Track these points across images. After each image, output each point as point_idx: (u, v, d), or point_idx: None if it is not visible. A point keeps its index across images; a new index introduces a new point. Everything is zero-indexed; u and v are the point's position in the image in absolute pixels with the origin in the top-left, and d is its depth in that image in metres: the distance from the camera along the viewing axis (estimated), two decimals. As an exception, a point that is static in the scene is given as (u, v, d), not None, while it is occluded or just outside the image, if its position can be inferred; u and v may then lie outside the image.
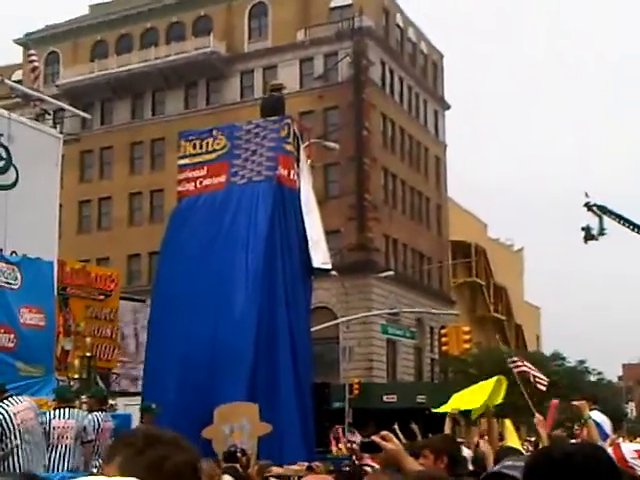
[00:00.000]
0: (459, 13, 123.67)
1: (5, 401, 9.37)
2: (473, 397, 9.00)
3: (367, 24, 48.68)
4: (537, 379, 14.66)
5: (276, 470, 7.28)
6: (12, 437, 9.02)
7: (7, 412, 9.12)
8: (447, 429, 7.62)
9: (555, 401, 9.99)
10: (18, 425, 9.07)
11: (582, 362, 47.76)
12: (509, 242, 71.89)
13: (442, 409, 8.76)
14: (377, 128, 49.07)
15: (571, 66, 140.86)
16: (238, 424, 10.34)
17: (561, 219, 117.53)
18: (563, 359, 46.99)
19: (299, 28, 50.19)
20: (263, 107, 14.04)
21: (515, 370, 14.16)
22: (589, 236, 28.58)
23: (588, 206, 28.13)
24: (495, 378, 9.15)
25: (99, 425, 9.92)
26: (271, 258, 12.06)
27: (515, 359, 15.36)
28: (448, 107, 59.29)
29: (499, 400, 8.94)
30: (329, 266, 13.87)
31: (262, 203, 12.45)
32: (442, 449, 4.90)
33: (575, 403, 7.26)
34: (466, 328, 33.08)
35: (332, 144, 35.15)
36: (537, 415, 8.29)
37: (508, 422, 11.41)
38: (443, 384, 44.03)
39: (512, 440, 10.80)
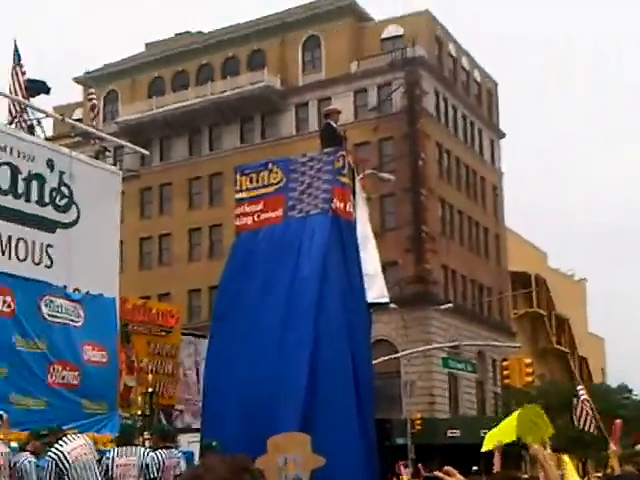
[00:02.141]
0: (513, 42, 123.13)
1: (60, 441, 9.40)
2: (506, 430, 8.78)
3: (420, 54, 48.71)
4: (588, 417, 14.19)
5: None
6: (69, 475, 9.04)
7: (61, 452, 9.15)
8: (497, 465, 7.40)
9: (619, 421, 9.54)
10: (73, 462, 9.08)
11: (651, 395, 46.44)
12: (570, 272, 70.73)
13: (484, 447, 8.55)
14: (432, 158, 48.85)
15: (624, 97, 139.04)
16: (292, 455, 10.16)
17: (624, 248, 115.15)
18: (630, 392, 45.80)
19: (352, 60, 50.44)
20: (321, 137, 13.94)
21: (582, 398, 13.78)
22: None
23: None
24: (519, 411, 8.99)
25: (163, 463, 9.84)
26: (329, 292, 11.89)
27: (581, 388, 14.94)
28: (503, 135, 58.84)
29: (549, 431, 8.66)
30: (386, 299, 13.62)
31: (319, 237, 12.31)
32: None
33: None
34: (528, 360, 32.39)
35: (387, 175, 35.03)
36: (612, 445, 7.89)
37: (566, 457, 10.89)
38: (506, 418, 43.14)
39: (572, 476, 10.34)
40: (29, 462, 9.09)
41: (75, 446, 9.20)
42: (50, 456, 9.07)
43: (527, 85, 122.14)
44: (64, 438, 9.40)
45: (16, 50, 15.31)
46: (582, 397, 14.17)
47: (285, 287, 11.95)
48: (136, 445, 10.02)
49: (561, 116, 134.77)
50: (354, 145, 38.39)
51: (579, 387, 14.85)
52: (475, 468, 16.83)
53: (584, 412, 14.21)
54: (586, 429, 13.70)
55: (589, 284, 73.30)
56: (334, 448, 10.80)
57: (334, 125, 13.92)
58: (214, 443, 10.51)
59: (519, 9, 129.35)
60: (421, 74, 48.74)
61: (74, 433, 9.78)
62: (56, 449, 9.16)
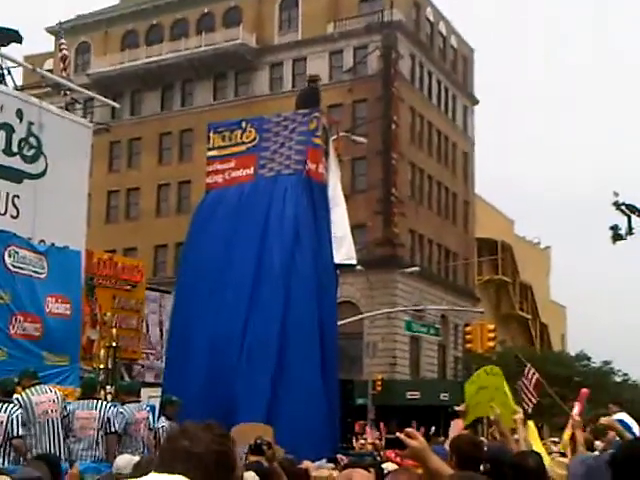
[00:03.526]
0: (492, 8, 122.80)
1: (32, 388, 9.44)
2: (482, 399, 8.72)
3: (397, 17, 48.47)
4: (528, 396, 14.39)
5: (306, 464, 7.22)
6: (32, 425, 9.10)
7: (30, 400, 9.20)
8: (457, 428, 7.51)
9: (585, 390, 9.49)
10: (39, 416, 9.14)
11: (607, 363, 47.38)
12: (536, 240, 71.39)
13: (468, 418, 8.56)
14: (405, 122, 48.86)
15: (608, 68, 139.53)
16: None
17: (590, 218, 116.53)
18: (589, 359, 46.65)
19: (329, 21, 50.07)
20: (299, 98, 13.93)
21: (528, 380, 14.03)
22: (617, 236, 28.25)
23: (617, 205, 27.80)
24: (483, 370, 9.01)
25: (133, 416, 9.93)
26: (300, 251, 12.00)
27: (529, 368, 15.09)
28: (477, 102, 58.94)
29: (508, 394, 8.60)
30: (354, 261, 13.75)
31: (290, 196, 12.38)
32: (453, 448, 4.98)
33: (604, 421, 6.96)
34: (491, 326, 32.87)
35: (361, 138, 35.07)
36: (574, 414, 7.77)
37: (531, 423, 10.80)
38: (466, 382, 43.82)
39: (535, 444, 10.33)
40: (20, 414, 9.04)
41: (44, 399, 9.25)
42: (18, 400, 9.11)
43: (503, 53, 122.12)
44: (37, 387, 9.46)
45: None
46: (523, 379, 14.37)
47: (255, 244, 12.00)
48: (98, 399, 10.08)
49: (535, 86, 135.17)
50: (328, 106, 38.27)
51: (527, 367, 15.01)
52: (434, 429, 17.11)
53: (523, 392, 14.42)
54: (527, 407, 13.87)
55: (554, 253, 74.16)
56: (300, 404, 10.97)
57: (319, 89, 13.93)
58: (174, 398, 10.61)
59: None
60: (398, 38, 48.53)
61: (40, 384, 9.79)
62: (26, 395, 9.23)
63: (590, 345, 71.43)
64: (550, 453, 10.15)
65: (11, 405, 8.97)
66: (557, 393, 15.68)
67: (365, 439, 15.56)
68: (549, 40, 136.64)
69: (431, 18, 53.37)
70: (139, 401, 10.62)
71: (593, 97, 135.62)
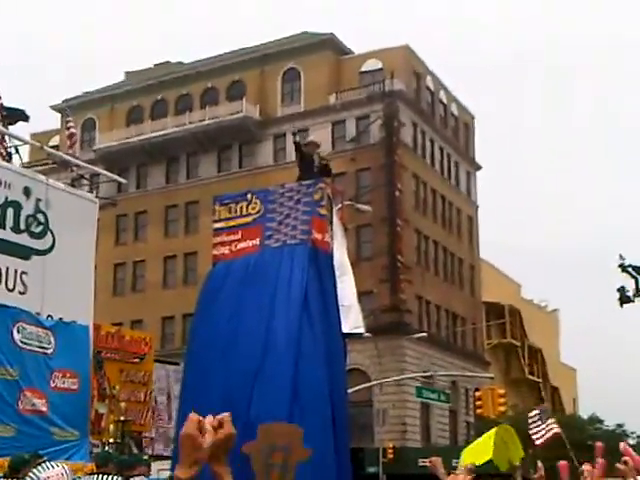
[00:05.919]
0: (490, 75, 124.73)
1: (38, 467, 9.38)
2: (482, 449, 8.80)
3: (398, 87, 49.25)
4: (540, 433, 14.27)
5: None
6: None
7: (38, 477, 9.13)
8: None
9: (600, 444, 9.27)
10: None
11: (620, 425, 46.80)
12: (544, 303, 71.21)
13: (461, 463, 8.54)
14: (409, 189, 49.25)
15: (607, 129, 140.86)
16: (281, 444, 10.16)
17: (597, 280, 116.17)
18: (601, 422, 46.10)
19: (331, 92, 50.90)
20: (308, 166, 13.90)
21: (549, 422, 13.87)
22: (625, 298, 28.19)
23: (623, 267, 27.80)
24: (494, 429, 9.01)
25: None
26: (309, 321, 12.02)
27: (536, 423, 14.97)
28: (479, 167, 59.46)
29: (520, 453, 8.66)
30: (361, 330, 13.72)
31: (297, 266, 12.43)
32: None
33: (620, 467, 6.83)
34: (501, 391, 32.58)
35: (365, 207, 35.31)
36: (586, 467, 7.67)
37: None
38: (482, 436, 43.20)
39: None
40: None
41: (53, 474, 9.18)
42: None
43: (503, 118, 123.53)
44: (43, 464, 9.39)
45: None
46: (550, 422, 14.25)
47: (264, 313, 12.02)
48: (108, 474, 10.00)
49: (535, 150, 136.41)
50: (332, 176, 38.59)
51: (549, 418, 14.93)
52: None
53: (545, 431, 14.28)
54: (538, 442, 13.75)
55: (562, 315, 73.86)
56: (312, 477, 10.87)
57: (311, 154, 14.05)
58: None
59: (496, 42, 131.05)
60: (399, 107, 49.25)
61: (45, 462, 9.74)
62: (34, 474, 9.15)
63: (602, 408, 70.58)
64: None
65: None
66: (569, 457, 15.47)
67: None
68: (547, 104, 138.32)
69: (431, 87, 54.22)
70: (142, 475, 10.53)
71: (595, 159, 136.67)
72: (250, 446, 10.23)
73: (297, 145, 14.00)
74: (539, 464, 7.71)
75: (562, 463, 9.04)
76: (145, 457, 12.04)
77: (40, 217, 14.38)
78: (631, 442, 46.78)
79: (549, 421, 14.64)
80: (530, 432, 14.10)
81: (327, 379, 11.62)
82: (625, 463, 6.39)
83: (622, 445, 7.00)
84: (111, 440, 13.46)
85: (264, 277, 12.54)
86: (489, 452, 8.60)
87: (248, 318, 12.09)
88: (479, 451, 8.91)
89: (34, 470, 9.27)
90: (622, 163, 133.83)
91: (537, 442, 13.87)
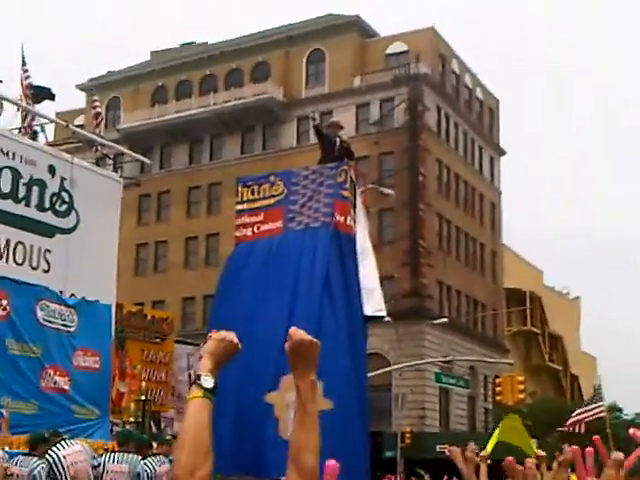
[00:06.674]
0: (515, 60, 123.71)
1: (58, 444, 9.47)
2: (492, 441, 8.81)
3: (423, 70, 48.93)
4: (594, 416, 14.15)
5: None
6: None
7: (57, 456, 9.21)
8: (482, 476, 7.39)
9: (596, 437, 9.00)
10: (68, 467, 9.14)
11: (639, 414, 46.60)
12: (565, 290, 70.83)
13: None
14: (432, 174, 49.01)
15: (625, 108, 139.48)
16: None
17: (619, 268, 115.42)
18: (620, 411, 45.89)
19: (356, 74, 50.67)
20: (330, 148, 13.80)
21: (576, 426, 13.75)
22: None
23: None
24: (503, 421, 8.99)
25: (154, 471, 9.89)
26: (331, 303, 12.01)
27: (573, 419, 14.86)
28: (503, 153, 59.05)
29: (532, 446, 8.60)
30: (383, 313, 13.68)
31: (320, 248, 12.40)
32: None
33: None
34: (520, 378, 32.47)
35: (388, 190, 35.19)
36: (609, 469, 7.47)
37: (574, 477, 10.37)
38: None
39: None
40: (42, 469, 9.10)
41: (71, 452, 9.25)
42: (46, 458, 9.12)
43: (529, 103, 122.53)
44: (62, 442, 9.47)
45: (22, 55, 15.47)
46: (601, 410, 14.11)
47: (287, 295, 12.01)
48: (129, 452, 10.08)
49: (560, 135, 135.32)
50: (355, 159, 38.47)
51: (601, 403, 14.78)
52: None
53: (586, 417, 14.15)
54: (571, 429, 13.65)
55: (583, 303, 73.45)
56: (340, 456, 10.89)
57: (330, 135, 13.95)
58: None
59: (522, 28, 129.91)
60: (424, 90, 48.94)
61: (65, 439, 9.82)
62: (53, 452, 9.23)
63: (622, 397, 70.19)
64: None
65: (34, 459, 9.00)
66: (588, 446, 15.35)
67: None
68: (589, 88, 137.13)
69: (457, 70, 53.82)
70: (162, 454, 10.59)
71: (620, 142, 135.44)
72: (274, 397, 10.30)
73: (317, 128, 13.92)
74: (565, 447, 7.60)
75: (596, 437, 8.88)
76: (168, 437, 12.10)
77: (64, 196, 14.45)
78: (650, 431, 46.64)
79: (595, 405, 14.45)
80: (573, 419, 13.99)
81: (349, 359, 11.63)
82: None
83: (632, 430, 6.96)
84: (131, 419, 13.53)
85: (287, 259, 12.53)
86: (493, 442, 8.62)
87: (271, 299, 12.09)
88: (493, 439, 8.91)
89: (53, 448, 9.37)
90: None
91: (574, 429, 13.72)
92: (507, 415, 9.21)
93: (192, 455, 2.33)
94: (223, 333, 2.65)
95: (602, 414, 14.74)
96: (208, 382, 2.50)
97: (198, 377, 2.50)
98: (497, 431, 8.97)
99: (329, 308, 11.79)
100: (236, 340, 2.64)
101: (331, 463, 4.41)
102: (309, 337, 2.68)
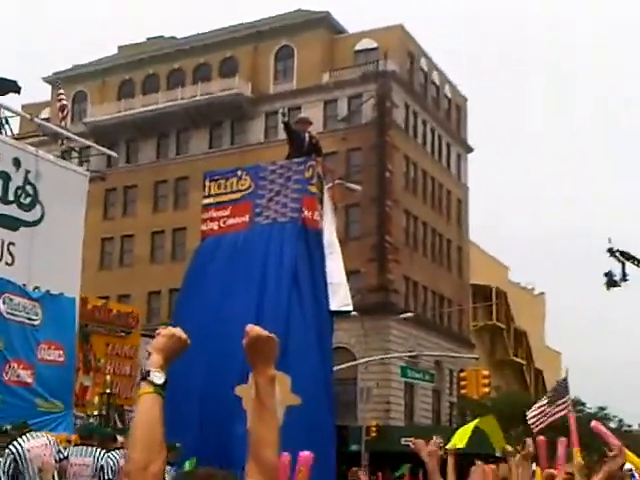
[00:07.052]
0: (484, 57, 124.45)
1: (23, 436, 9.44)
2: (463, 434, 8.91)
3: (392, 67, 49.11)
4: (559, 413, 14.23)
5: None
6: (26, 473, 9.07)
7: (21, 448, 9.18)
8: (449, 469, 7.45)
9: (542, 438, 8.94)
10: (31, 460, 9.12)
11: (602, 409, 47.17)
12: (530, 286, 71.51)
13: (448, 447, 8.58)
14: (399, 170, 49.23)
15: (604, 121, 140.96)
16: None
17: (584, 264, 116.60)
18: (583, 405, 46.41)
19: (324, 70, 50.71)
20: (297, 143, 13.80)
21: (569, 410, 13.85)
22: (611, 282, 28.38)
23: (611, 251, 27.96)
24: (477, 420, 9.11)
25: (117, 464, 9.89)
26: (299, 298, 12.05)
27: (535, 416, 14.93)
28: (471, 150, 59.46)
29: (503, 443, 8.71)
30: (350, 308, 13.74)
31: (287, 244, 12.44)
32: None
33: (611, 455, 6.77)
34: (485, 372, 32.79)
35: (355, 186, 35.30)
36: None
37: (539, 470, 10.31)
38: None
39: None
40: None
41: (36, 444, 9.22)
42: (10, 450, 9.09)
43: (496, 101, 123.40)
44: (27, 434, 9.44)
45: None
46: (569, 411, 14.21)
47: (254, 289, 12.03)
48: (93, 445, 10.06)
49: (528, 132, 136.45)
50: (322, 154, 38.50)
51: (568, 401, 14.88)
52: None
53: (546, 416, 14.21)
54: (533, 425, 13.73)
55: (548, 298, 74.23)
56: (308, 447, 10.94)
57: (300, 132, 13.99)
58: (177, 444, 10.56)
59: (492, 27, 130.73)
60: (392, 87, 49.12)
61: (31, 431, 9.78)
62: (17, 443, 9.20)
63: (585, 391, 71.12)
64: None
65: None
66: (551, 439, 15.53)
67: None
68: (545, 88, 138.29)
69: (425, 68, 54.07)
70: (124, 447, 10.58)
71: (585, 144, 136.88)
72: (242, 389, 10.34)
73: (286, 124, 13.95)
74: (529, 441, 7.69)
75: (540, 438, 8.96)
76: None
77: (29, 189, 14.36)
78: (612, 425, 47.26)
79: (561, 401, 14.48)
80: (533, 415, 14.03)
81: (318, 354, 11.69)
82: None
83: (593, 423, 7.05)
84: (95, 412, 13.49)
85: (254, 253, 12.55)
86: (464, 440, 8.71)
87: (238, 294, 12.09)
88: (462, 436, 8.99)
89: (18, 439, 9.34)
90: (618, 150, 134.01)
91: (536, 429, 13.76)
92: (484, 416, 9.32)
93: (145, 451, 2.35)
94: (172, 329, 2.66)
95: (568, 409, 14.87)
96: (158, 378, 2.51)
97: (148, 373, 2.52)
98: (473, 423, 9.06)
99: (297, 303, 11.84)
100: (184, 336, 2.66)
101: (305, 454, 4.47)
102: (266, 333, 2.70)
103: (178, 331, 2.66)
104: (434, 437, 7.56)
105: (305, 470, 4.27)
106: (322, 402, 11.37)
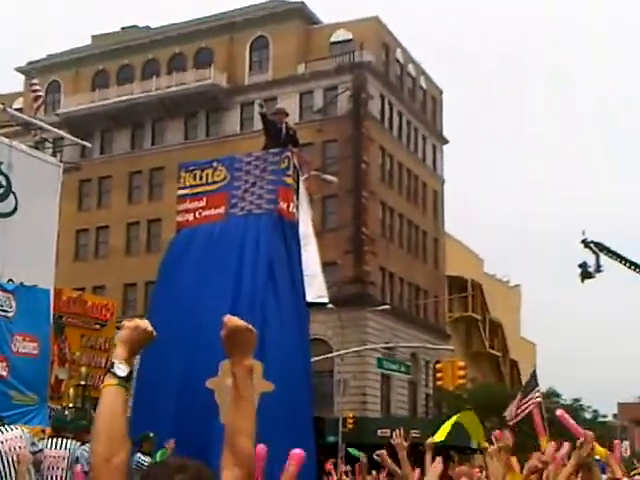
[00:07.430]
0: (459, 49, 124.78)
1: (-4, 429, 9.34)
2: (441, 430, 8.95)
3: (367, 59, 49.09)
4: (531, 405, 14.37)
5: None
6: (0, 464, 8.98)
7: (-6, 440, 9.09)
8: (427, 463, 7.46)
9: (499, 432, 8.82)
10: (6, 452, 9.03)
11: (577, 400, 47.61)
12: (505, 278, 71.98)
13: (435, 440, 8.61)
14: (375, 162, 49.28)
15: (571, 110, 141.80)
16: None
17: (559, 256, 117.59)
18: (558, 396, 46.82)
19: (300, 62, 50.60)
20: (275, 134, 13.80)
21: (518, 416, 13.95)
22: (586, 273, 28.60)
23: (585, 243, 28.16)
24: (457, 415, 9.17)
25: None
26: (275, 290, 12.03)
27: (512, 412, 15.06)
28: (446, 142, 59.62)
29: (482, 437, 8.77)
30: (325, 300, 13.77)
31: (263, 236, 12.41)
32: None
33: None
34: (461, 363, 32.96)
35: (331, 177, 35.20)
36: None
37: (514, 460, 10.25)
38: (437, 419, 43.78)
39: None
40: None
41: (10, 437, 9.14)
42: None
43: (472, 93, 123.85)
44: (1, 427, 9.34)
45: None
46: (538, 399, 14.31)
47: (229, 284, 11.97)
48: (66, 437, 9.99)
49: (504, 125, 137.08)
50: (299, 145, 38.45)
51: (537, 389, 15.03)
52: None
53: (525, 410, 14.35)
54: (508, 418, 13.87)
55: (523, 290, 74.72)
56: (284, 442, 10.92)
57: (277, 123, 13.96)
58: (151, 435, 10.52)
59: (469, 19, 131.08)
60: (367, 79, 49.11)
61: (4, 425, 9.69)
62: None
63: (560, 382, 71.77)
64: None
65: None
66: (527, 431, 15.69)
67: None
68: (514, 80, 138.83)
69: (400, 60, 54.10)
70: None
71: (560, 135, 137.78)
72: (214, 382, 10.30)
73: (263, 116, 13.90)
74: (506, 433, 7.63)
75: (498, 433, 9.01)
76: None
77: (2, 180, 14.21)
78: (587, 416, 47.74)
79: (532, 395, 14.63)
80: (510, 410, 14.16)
81: (295, 344, 11.67)
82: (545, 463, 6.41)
83: (559, 412, 7.01)
84: (71, 405, 13.41)
85: (229, 244, 12.51)
86: (443, 435, 8.75)
87: (213, 285, 12.04)
88: (442, 433, 9.03)
89: (-9, 432, 9.24)
90: (590, 141, 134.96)
91: (510, 422, 13.90)
92: (461, 408, 9.41)
93: (108, 443, 2.35)
94: (136, 321, 2.63)
95: (538, 399, 15.01)
96: (122, 370, 2.48)
97: (112, 365, 2.50)
98: (454, 418, 9.09)
99: (273, 295, 11.81)
100: (150, 328, 2.62)
101: (296, 452, 4.42)
102: (244, 323, 2.70)
103: (143, 323, 2.61)
104: (411, 432, 7.53)
105: (293, 468, 4.22)
106: (301, 393, 11.36)
